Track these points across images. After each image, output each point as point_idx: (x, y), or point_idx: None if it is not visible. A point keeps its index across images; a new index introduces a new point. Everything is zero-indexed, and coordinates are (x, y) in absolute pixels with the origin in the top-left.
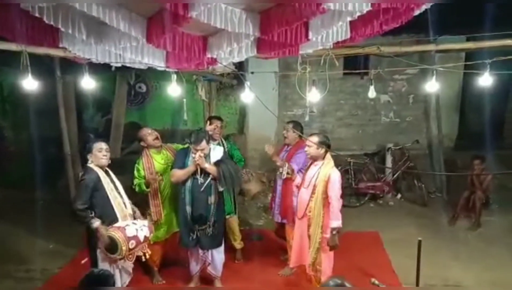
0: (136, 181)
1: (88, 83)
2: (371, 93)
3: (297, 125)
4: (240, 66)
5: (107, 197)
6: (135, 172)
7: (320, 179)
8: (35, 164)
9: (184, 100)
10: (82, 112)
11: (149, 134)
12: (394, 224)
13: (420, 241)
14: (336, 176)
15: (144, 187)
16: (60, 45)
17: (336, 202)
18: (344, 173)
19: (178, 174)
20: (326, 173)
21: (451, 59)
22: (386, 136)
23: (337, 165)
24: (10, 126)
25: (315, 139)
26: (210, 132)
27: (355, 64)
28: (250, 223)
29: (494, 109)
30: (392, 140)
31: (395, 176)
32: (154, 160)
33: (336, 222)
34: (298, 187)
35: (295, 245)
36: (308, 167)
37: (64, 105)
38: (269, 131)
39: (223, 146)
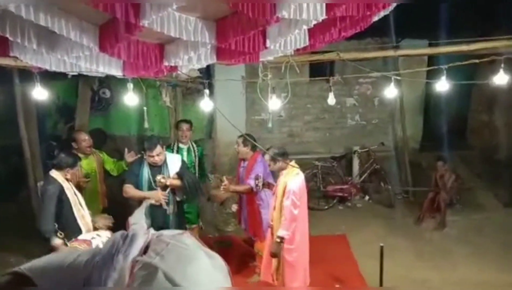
0: None
1: (40, 93)
2: (331, 100)
3: (248, 138)
4: (206, 71)
5: (71, 208)
6: None
7: (280, 188)
8: None
9: (145, 108)
10: (44, 120)
11: (84, 140)
12: (362, 226)
13: (382, 247)
14: (293, 185)
15: None
16: (11, 54)
17: (288, 211)
18: (312, 176)
19: (133, 193)
20: (285, 182)
21: (414, 62)
22: (353, 139)
23: (305, 168)
24: None
25: (267, 157)
26: (179, 136)
27: (320, 69)
28: (219, 229)
29: (457, 110)
30: (359, 143)
31: (362, 178)
32: (81, 164)
33: (282, 231)
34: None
35: (265, 256)
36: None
37: (24, 113)
38: (237, 135)
39: (194, 150)
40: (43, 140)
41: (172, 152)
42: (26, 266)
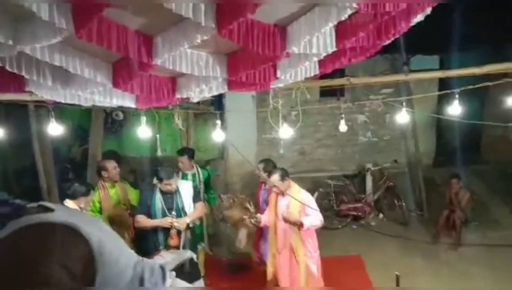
0: (91, 214)
1: (55, 129)
2: (342, 127)
3: (268, 163)
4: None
5: None
6: (90, 205)
7: (294, 206)
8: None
9: (157, 136)
10: (59, 142)
11: (114, 169)
12: (376, 245)
13: (398, 276)
14: (307, 195)
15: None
16: (26, 89)
17: (315, 215)
18: (325, 195)
19: (144, 223)
20: (298, 198)
21: (425, 81)
22: (365, 156)
23: (317, 186)
24: None
25: (276, 177)
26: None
27: (331, 88)
28: (231, 251)
29: (471, 124)
30: (371, 160)
31: (376, 196)
32: (109, 193)
33: (307, 221)
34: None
35: (284, 277)
36: (275, 200)
37: (38, 136)
38: (249, 154)
39: (198, 175)
40: (57, 162)
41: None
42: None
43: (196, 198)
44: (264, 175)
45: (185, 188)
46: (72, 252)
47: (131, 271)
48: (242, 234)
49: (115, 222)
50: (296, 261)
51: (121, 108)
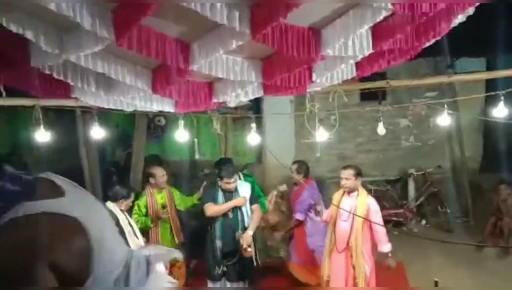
0: (137, 218)
1: (98, 133)
2: (380, 130)
3: (302, 165)
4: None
5: (125, 238)
6: (136, 209)
7: (360, 209)
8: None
9: (195, 140)
10: (104, 146)
11: (163, 176)
12: (418, 252)
13: (436, 282)
14: (375, 203)
15: (149, 223)
16: (72, 96)
17: (382, 228)
18: None
19: (215, 209)
20: (364, 203)
21: (470, 83)
22: (407, 161)
23: None
24: (32, 162)
25: (351, 172)
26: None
27: (372, 91)
28: (270, 255)
29: None
30: (414, 165)
31: (418, 202)
32: (156, 199)
33: (386, 246)
34: (327, 222)
35: (337, 280)
36: (340, 199)
37: (85, 141)
38: (287, 159)
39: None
40: (102, 166)
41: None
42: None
43: (253, 201)
44: (296, 176)
45: (244, 190)
46: (69, 247)
47: (121, 269)
48: (278, 236)
49: (159, 226)
50: (352, 265)
51: (163, 114)
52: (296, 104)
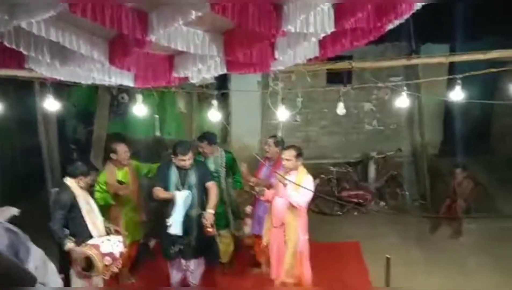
0: (98, 195)
1: (51, 105)
2: (340, 110)
3: (279, 139)
4: (221, 76)
5: (82, 216)
6: (97, 186)
7: (294, 187)
8: (15, 176)
9: (156, 116)
10: (64, 124)
11: (125, 152)
12: (376, 233)
13: (388, 259)
14: (309, 182)
15: (109, 200)
16: (26, 66)
17: (300, 203)
18: (327, 181)
19: (160, 195)
20: (300, 181)
21: (433, 68)
22: (370, 144)
23: (319, 173)
24: None
25: (293, 152)
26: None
27: (337, 74)
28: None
29: (480, 114)
30: (376, 148)
31: (378, 184)
32: (116, 176)
33: (299, 199)
34: (270, 201)
35: (273, 256)
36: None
37: (43, 117)
38: (253, 139)
39: (220, 159)
40: (62, 143)
41: (200, 159)
42: None
43: (207, 179)
44: (274, 149)
45: (201, 166)
46: None
47: None
48: (248, 208)
49: (122, 204)
50: (285, 241)
51: (126, 91)
52: (263, 85)
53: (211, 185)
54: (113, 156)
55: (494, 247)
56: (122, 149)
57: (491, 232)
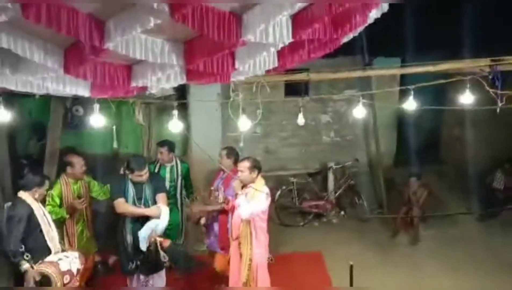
0: (50, 209)
1: (3, 115)
2: (300, 120)
3: (231, 151)
4: (180, 88)
5: (40, 230)
6: (49, 199)
7: (248, 200)
8: None
9: (113, 127)
10: (15, 137)
11: (80, 165)
12: (337, 242)
13: (351, 266)
14: (259, 196)
15: (64, 214)
16: None
17: (249, 206)
18: (288, 192)
19: (127, 208)
20: (253, 195)
21: (386, 81)
22: (328, 155)
23: (280, 185)
24: None
25: (246, 164)
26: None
27: (295, 87)
28: (193, 249)
29: (431, 125)
30: (334, 159)
31: (337, 194)
32: (71, 189)
33: (246, 212)
34: (232, 211)
35: (233, 267)
36: (240, 190)
37: None
38: (213, 152)
39: (177, 168)
40: (13, 158)
41: (154, 169)
42: None
43: (158, 189)
44: (226, 161)
45: (157, 180)
46: None
47: None
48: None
49: (74, 218)
50: (240, 254)
51: (81, 103)
52: (224, 98)
53: (161, 197)
54: (69, 169)
55: (450, 252)
56: (78, 162)
57: (445, 237)
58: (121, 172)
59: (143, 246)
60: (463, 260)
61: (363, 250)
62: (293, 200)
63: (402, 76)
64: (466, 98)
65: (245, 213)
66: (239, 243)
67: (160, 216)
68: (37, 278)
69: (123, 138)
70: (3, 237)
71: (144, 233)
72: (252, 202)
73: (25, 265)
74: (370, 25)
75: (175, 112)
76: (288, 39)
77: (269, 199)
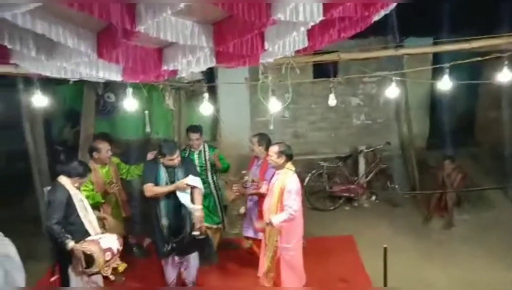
0: (86, 194)
1: (40, 100)
2: (331, 101)
3: (263, 137)
4: (209, 73)
5: (78, 214)
6: (83, 185)
7: (278, 187)
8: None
9: (146, 112)
10: (50, 124)
11: (106, 150)
12: (369, 226)
13: (385, 248)
14: (292, 185)
15: (100, 199)
16: (11, 61)
17: (287, 211)
18: (318, 177)
19: (155, 190)
20: (284, 182)
21: (417, 61)
22: (359, 139)
23: (310, 169)
24: None
25: (275, 148)
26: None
27: (324, 69)
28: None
29: (465, 107)
30: (365, 142)
31: (368, 178)
32: (100, 174)
33: (276, 220)
34: (264, 197)
35: (262, 253)
36: (272, 176)
37: (29, 118)
38: (242, 136)
39: (204, 153)
40: (49, 144)
41: (184, 155)
42: None
43: (190, 173)
44: (258, 148)
45: (189, 164)
46: None
47: None
48: (242, 209)
49: (108, 202)
50: (265, 243)
51: (112, 90)
52: (251, 81)
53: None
54: (95, 154)
55: (485, 237)
56: (104, 148)
57: (480, 222)
58: (148, 157)
59: (190, 208)
60: (498, 245)
61: (395, 234)
62: (323, 184)
63: (435, 56)
64: (504, 76)
65: (283, 215)
66: (266, 232)
67: (186, 190)
68: (81, 258)
69: (154, 123)
70: (46, 219)
71: (183, 200)
72: (286, 188)
73: (70, 243)
74: (400, 4)
75: (206, 94)
76: (319, 17)
77: (299, 184)
